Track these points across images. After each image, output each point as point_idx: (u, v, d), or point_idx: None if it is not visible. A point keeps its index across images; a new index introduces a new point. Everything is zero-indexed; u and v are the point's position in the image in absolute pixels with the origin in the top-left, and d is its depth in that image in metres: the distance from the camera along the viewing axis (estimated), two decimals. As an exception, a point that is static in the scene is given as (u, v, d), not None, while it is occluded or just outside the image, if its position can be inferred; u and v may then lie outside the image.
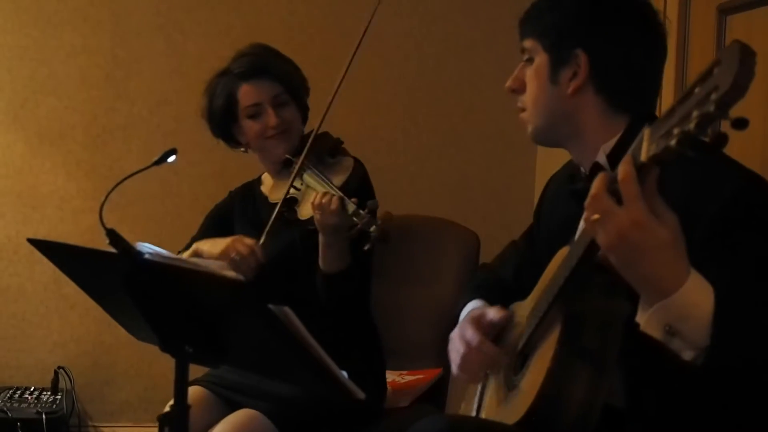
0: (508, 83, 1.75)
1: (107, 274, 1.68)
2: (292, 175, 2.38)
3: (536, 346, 1.59)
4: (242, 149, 2.57)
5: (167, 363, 1.69)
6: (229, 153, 3.47)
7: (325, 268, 2.34)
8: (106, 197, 1.88)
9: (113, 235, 1.57)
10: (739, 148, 1.03)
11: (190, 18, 3.48)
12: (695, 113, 1.04)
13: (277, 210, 2.38)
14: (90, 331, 3.43)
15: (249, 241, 2.35)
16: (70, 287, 1.86)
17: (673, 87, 2.44)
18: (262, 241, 2.36)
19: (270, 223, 2.37)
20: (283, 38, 3.49)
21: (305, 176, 2.39)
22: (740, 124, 0.99)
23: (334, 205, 2.21)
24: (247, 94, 2.48)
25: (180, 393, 1.66)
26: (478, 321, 1.80)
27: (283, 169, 2.48)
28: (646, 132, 1.20)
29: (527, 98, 1.72)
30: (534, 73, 1.69)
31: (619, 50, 1.62)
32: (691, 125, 1.04)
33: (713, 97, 1.02)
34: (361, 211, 2.17)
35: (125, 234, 1.61)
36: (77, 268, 1.79)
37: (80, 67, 3.42)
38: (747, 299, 1.32)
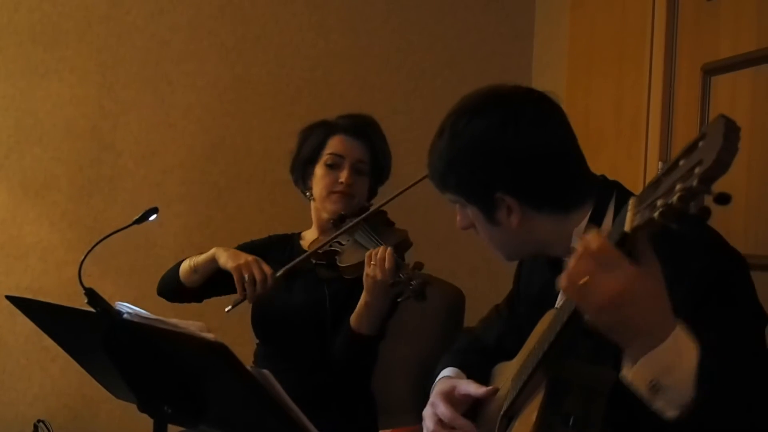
0: (458, 224, 1.77)
1: (86, 333, 1.68)
2: (340, 230, 2.42)
3: (520, 410, 1.59)
4: (307, 194, 2.59)
5: (149, 417, 1.68)
6: (214, 205, 3.50)
7: (356, 327, 2.33)
8: (85, 257, 1.87)
9: (92, 295, 1.57)
10: (721, 212, 1.02)
11: (178, 70, 3.49)
12: (678, 186, 1.04)
13: (308, 253, 2.43)
14: (71, 384, 3.38)
15: (267, 268, 2.38)
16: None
17: (658, 146, 2.46)
18: (279, 274, 2.39)
19: (296, 260, 2.41)
20: (271, 90, 3.52)
21: (356, 234, 2.43)
22: (723, 199, 0.99)
23: (390, 261, 2.21)
24: (337, 143, 2.51)
25: (158, 455, 1.64)
26: (449, 395, 1.79)
27: (331, 227, 2.50)
28: (630, 202, 1.20)
29: (481, 236, 1.74)
30: (473, 217, 1.71)
31: (534, 165, 1.60)
32: (675, 198, 1.04)
33: (697, 171, 1.02)
34: (410, 271, 2.19)
35: (109, 287, 1.60)
36: (56, 326, 1.79)
37: (66, 118, 3.41)
38: (729, 361, 1.31)
